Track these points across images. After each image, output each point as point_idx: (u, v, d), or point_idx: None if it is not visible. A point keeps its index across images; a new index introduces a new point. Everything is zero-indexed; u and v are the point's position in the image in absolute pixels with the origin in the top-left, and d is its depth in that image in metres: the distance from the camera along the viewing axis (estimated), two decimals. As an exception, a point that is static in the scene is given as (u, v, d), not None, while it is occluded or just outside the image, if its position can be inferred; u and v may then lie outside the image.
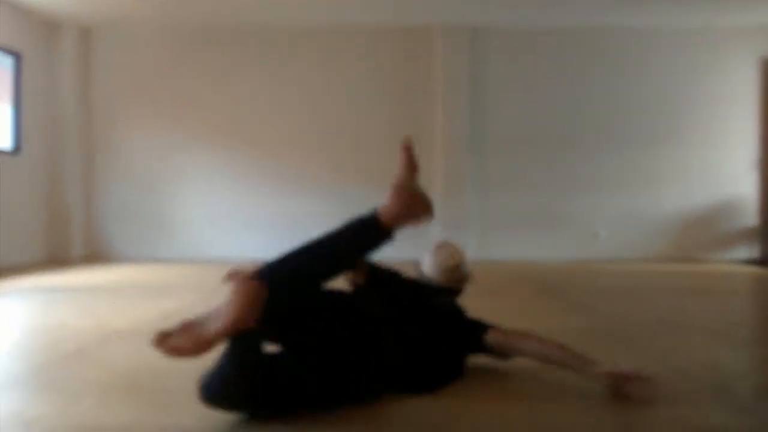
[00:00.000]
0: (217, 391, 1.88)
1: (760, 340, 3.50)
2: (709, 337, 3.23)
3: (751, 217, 7.40)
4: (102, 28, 7.43)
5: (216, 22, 7.22)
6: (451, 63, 7.31)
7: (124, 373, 2.49)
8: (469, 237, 7.33)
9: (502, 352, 2.43)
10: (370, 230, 2.16)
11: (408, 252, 7.36)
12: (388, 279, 2.66)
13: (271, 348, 2.02)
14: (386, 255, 7.73)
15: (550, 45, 7.43)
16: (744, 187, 7.40)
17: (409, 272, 2.78)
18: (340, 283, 2.28)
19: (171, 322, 3.42)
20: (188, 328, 1.89)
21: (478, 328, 2.46)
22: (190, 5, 6.70)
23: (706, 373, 2.54)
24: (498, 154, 7.45)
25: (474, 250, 7.37)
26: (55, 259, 7.13)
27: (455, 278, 2.68)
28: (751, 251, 7.42)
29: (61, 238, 7.20)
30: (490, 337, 2.42)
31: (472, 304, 4.31)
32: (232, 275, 1.90)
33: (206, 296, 4.60)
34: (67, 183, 7.24)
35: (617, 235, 7.42)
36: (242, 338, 1.86)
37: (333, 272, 2.10)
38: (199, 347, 1.83)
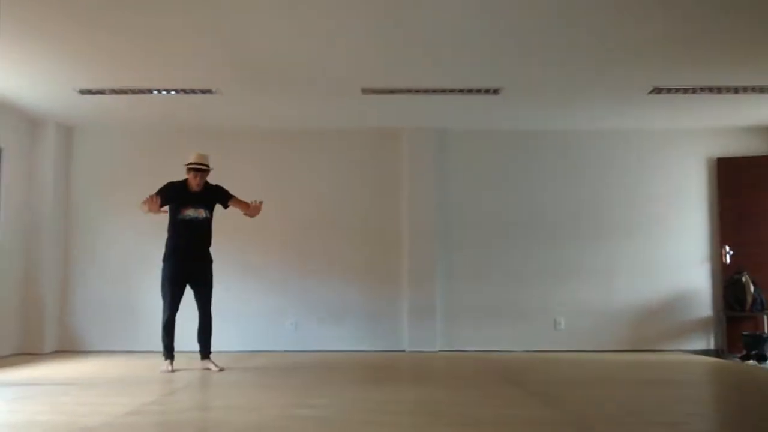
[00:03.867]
0: None
1: (719, 431, 3.60)
2: (668, 428, 3.30)
3: (705, 308, 7.63)
4: (83, 126, 7.61)
5: (194, 123, 7.47)
6: (417, 161, 7.63)
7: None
8: (435, 328, 7.43)
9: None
10: None
11: (383, 344, 7.45)
12: None
13: None
14: (362, 347, 7.69)
15: (509, 144, 7.78)
16: (697, 279, 7.65)
17: None
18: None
19: (142, 417, 3.48)
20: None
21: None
22: (170, 107, 6.93)
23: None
24: (462, 245, 7.65)
25: (440, 342, 7.46)
26: (27, 352, 7.00)
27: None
28: (706, 342, 7.60)
29: (34, 331, 7.11)
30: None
31: (438, 395, 4.40)
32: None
33: (179, 389, 4.61)
34: (42, 276, 7.22)
35: (576, 326, 7.56)
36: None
37: None
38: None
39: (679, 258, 7.66)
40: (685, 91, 6.31)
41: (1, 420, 3.62)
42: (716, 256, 7.64)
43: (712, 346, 7.55)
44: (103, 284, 7.50)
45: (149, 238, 7.51)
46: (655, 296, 7.61)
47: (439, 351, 7.39)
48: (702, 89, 6.27)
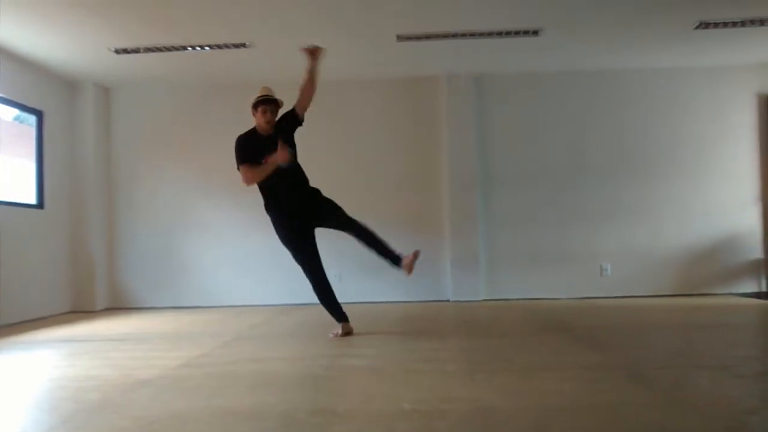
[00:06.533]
0: None
1: (770, 373, 3.52)
2: (719, 372, 3.24)
3: (755, 250, 7.44)
4: (120, 86, 7.68)
5: (229, 78, 7.43)
6: (456, 108, 7.50)
7: (150, 421, 2.54)
8: (478, 276, 7.41)
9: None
10: None
11: (427, 295, 7.47)
12: None
13: None
14: (407, 298, 7.65)
15: (551, 86, 7.59)
16: (747, 220, 7.45)
17: None
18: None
19: (194, 369, 3.54)
20: None
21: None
22: (205, 63, 6.91)
23: (717, 409, 2.54)
24: (503, 192, 7.55)
25: (483, 291, 7.44)
26: (80, 310, 7.25)
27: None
28: (757, 284, 7.43)
29: (85, 290, 7.34)
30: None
31: (484, 343, 4.39)
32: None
33: (228, 342, 4.69)
34: (89, 235, 7.40)
35: (622, 270, 7.46)
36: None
37: None
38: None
39: (729, 199, 7.45)
40: (734, 24, 6.05)
41: (58, 374, 3.74)
42: (767, 196, 7.42)
43: (764, 289, 7.39)
44: (149, 242, 7.64)
45: (192, 194, 7.65)
46: (704, 239, 7.45)
47: (483, 300, 7.38)
48: (752, 22, 6.00)
